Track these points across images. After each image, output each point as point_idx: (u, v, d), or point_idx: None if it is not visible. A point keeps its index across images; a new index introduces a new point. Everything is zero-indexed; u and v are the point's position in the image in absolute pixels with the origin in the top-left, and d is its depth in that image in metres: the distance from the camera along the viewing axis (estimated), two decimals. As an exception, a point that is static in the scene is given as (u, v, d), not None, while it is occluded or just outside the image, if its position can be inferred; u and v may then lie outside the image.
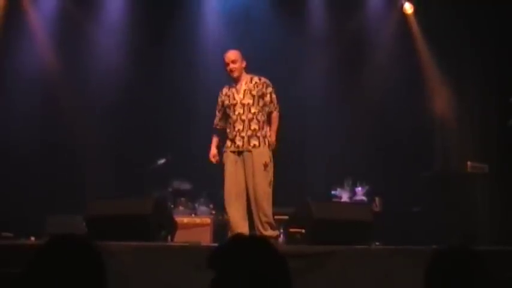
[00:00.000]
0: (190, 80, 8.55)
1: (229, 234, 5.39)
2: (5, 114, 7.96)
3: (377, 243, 5.98)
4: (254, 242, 1.81)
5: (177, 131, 8.47)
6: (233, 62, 5.55)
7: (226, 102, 5.55)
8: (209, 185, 7.78)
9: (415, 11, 8.79)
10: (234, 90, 5.56)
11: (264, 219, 5.32)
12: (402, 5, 8.84)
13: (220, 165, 5.65)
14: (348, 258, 4.32)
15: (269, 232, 5.31)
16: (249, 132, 5.41)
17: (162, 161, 7.85)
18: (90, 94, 8.48)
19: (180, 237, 6.04)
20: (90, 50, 8.56)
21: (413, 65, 8.62)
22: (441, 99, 8.57)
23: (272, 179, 5.43)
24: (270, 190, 5.40)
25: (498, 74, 8.11)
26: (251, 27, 8.53)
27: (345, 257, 4.31)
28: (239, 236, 1.92)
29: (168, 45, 8.57)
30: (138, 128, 8.48)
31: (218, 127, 5.73)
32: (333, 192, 8.20)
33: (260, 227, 5.34)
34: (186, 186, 7.86)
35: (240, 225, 5.34)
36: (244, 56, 5.66)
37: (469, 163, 7.41)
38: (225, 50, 7.41)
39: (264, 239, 1.88)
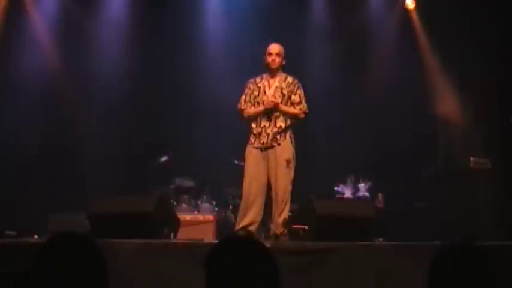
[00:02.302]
0: (193, 77, 8.56)
1: (237, 228, 5.39)
2: (7, 112, 7.97)
3: (380, 239, 5.98)
4: (242, 242, 1.82)
5: (179, 128, 8.48)
6: (277, 54, 5.47)
7: (256, 93, 5.47)
8: (212, 182, 7.79)
9: (417, 7, 8.78)
10: (266, 83, 5.49)
11: (281, 218, 5.31)
12: (404, 1, 8.83)
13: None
14: (351, 254, 4.31)
15: (281, 230, 5.31)
16: (275, 129, 5.36)
17: (164, 158, 7.86)
18: (91, 92, 8.50)
19: (183, 235, 6.04)
20: (91, 48, 8.57)
21: (416, 61, 8.61)
22: (443, 95, 8.56)
23: (293, 177, 5.39)
24: (290, 188, 5.37)
25: (501, 70, 8.09)
26: (253, 22, 8.51)
27: (347, 253, 4.31)
28: (228, 237, 1.93)
29: (170, 42, 8.58)
30: (140, 125, 8.49)
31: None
32: (335, 188, 8.21)
33: (274, 225, 5.34)
34: (188, 183, 7.87)
35: (252, 222, 5.30)
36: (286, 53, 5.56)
37: (471, 159, 7.41)
38: (228, 46, 7.39)
39: (253, 238, 1.88)
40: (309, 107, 5.53)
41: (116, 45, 8.63)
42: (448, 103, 8.50)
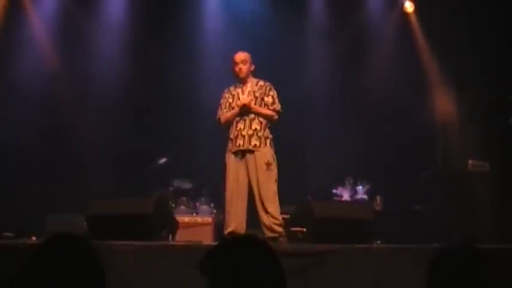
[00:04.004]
0: (191, 79, 8.55)
1: (226, 233, 5.42)
2: (5, 113, 7.96)
3: (378, 242, 5.98)
4: (246, 243, 1.79)
5: (178, 130, 8.47)
6: (243, 62, 5.59)
7: (230, 100, 5.59)
8: (210, 184, 7.78)
9: (416, 10, 8.79)
10: (239, 90, 5.61)
11: (270, 220, 5.32)
12: (403, 4, 8.84)
13: (220, 166, 5.65)
14: (349, 257, 4.31)
15: (274, 232, 5.32)
16: (250, 132, 5.43)
17: (163, 160, 7.85)
18: (91, 93, 8.50)
19: (181, 237, 6.04)
20: (90, 49, 8.57)
21: (414, 64, 8.62)
22: (442, 98, 8.56)
23: (277, 178, 5.44)
24: (275, 189, 5.40)
25: (499, 72, 8.09)
26: (252, 24, 8.52)
27: (345, 255, 4.31)
28: (229, 238, 1.91)
29: (169, 44, 8.57)
30: (139, 127, 8.49)
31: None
32: (334, 191, 8.21)
33: (265, 228, 5.35)
34: (187, 185, 7.86)
35: (239, 226, 5.36)
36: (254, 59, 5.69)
37: (470, 161, 7.40)
38: (226, 48, 7.35)
39: (256, 239, 1.85)
40: (287, 108, 5.65)
41: (115, 46, 8.62)
42: (446, 105, 8.51)
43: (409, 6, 8.81)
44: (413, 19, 8.85)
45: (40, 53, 8.35)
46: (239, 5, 8.85)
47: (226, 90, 5.70)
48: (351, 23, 8.88)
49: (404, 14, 8.88)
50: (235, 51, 5.72)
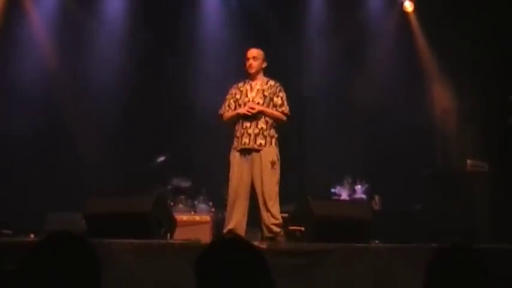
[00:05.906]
0: (190, 78, 8.55)
1: (225, 231, 5.42)
2: (5, 111, 7.95)
3: (376, 241, 5.98)
4: (232, 245, 1.81)
5: (176, 129, 8.47)
6: (254, 58, 5.56)
7: (238, 96, 5.56)
8: (209, 183, 7.78)
9: (415, 9, 8.79)
10: (248, 87, 5.58)
11: (271, 220, 5.32)
12: (402, 3, 8.85)
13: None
14: (348, 256, 4.32)
15: (272, 232, 5.32)
16: (256, 130, 5.41)
17: (161, 158, 7.85)
18: (90, 92, 8.49)
19: (180, 235, 6.03)
20: (90, 48, 8.55)
21: (414, 63, 8.62)
22: (441, 97, 8.56)
23: (279, 178, 5.44)
24: (277, 189, 5.41)
25: (499, 72, 8.10)
26: (251, 23, 8.52)
27: (344, 254, 4.31)
28: (218, 240, 1.92)
29: (168, 44, 8.57)
30: (137, 125, 8.48)
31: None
32: (332, 190, 8.20)
33: (264, 227, 5.36)
34: (185, 183, 7.85)
35: (238, 224, 5.36)
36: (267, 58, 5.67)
37: (468, 161, 7.41)
38: (225, 47, 7.37)
39: (243, 240, 1.87)
40: (291, 109, 5.61)
41: (114, 45, 8.61)
42: (445, 104, 8.51)
43: (408, 6, 8.81)
44: (413, 18, 8.85)
45: (39, 51, 8.34)
46: (239, 4, 8.83)
47: (234, 86, 5.66)
48: (351, 22, 8.88)
49: (404, 13, 8.88)
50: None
